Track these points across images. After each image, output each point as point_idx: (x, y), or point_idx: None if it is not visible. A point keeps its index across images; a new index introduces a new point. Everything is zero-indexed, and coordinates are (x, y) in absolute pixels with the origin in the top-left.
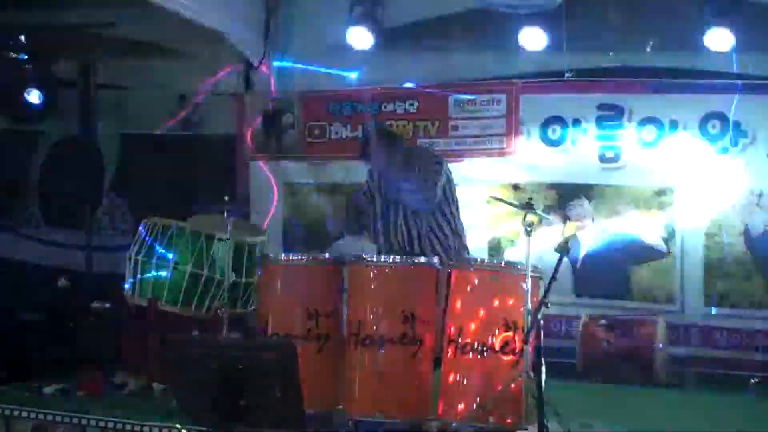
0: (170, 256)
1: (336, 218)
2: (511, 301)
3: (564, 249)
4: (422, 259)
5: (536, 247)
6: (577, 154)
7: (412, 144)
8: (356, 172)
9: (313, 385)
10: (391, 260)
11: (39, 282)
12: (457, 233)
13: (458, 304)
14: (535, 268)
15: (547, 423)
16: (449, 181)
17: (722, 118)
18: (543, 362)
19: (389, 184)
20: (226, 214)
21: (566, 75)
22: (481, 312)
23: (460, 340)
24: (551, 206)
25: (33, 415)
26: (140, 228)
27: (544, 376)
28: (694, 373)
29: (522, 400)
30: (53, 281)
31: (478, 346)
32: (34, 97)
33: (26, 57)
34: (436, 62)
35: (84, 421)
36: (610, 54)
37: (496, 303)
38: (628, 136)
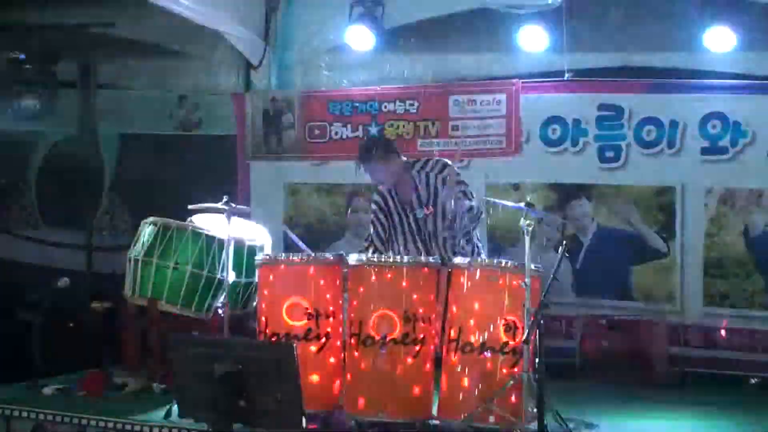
0: (170, 255)
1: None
2: (510, 301)
3: (564, 248)
4: (422, 259)
5: (536, 247)
6: (577, 154)
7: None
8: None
9: (313, 385)
10: (391, 260)
11: (39, 282)
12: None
13: (458, 304)
14: (534, 268)
15: (547, 423)
16: None
17: (722, 118)
18: (543, 362)
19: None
20: (226, 214)
21: (566, 75)
22: (481, 312)
23: (460, 340)
24: (551, 206)
25: (33, 415)
26: (140, 228)
27: (544, 376)
28: (694, 373)
29: (522, 400)
30: (53, 281)
31: (478, 346)
32: (33, 96)
33: (26, 57)
34: (436, 62)
35: (84, 421)
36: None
37: (496, 303)
38: (628, 136)
